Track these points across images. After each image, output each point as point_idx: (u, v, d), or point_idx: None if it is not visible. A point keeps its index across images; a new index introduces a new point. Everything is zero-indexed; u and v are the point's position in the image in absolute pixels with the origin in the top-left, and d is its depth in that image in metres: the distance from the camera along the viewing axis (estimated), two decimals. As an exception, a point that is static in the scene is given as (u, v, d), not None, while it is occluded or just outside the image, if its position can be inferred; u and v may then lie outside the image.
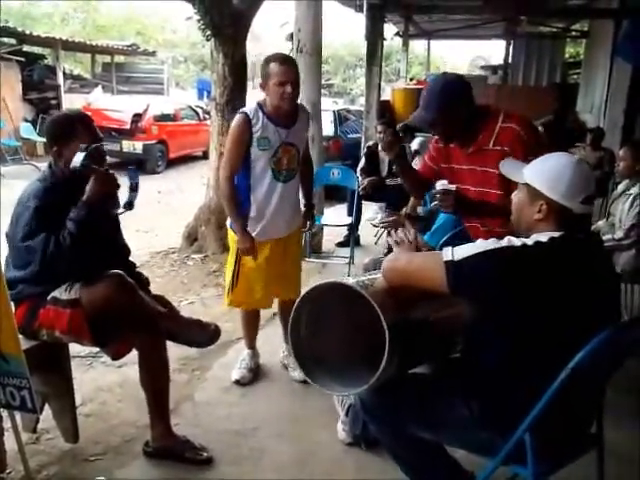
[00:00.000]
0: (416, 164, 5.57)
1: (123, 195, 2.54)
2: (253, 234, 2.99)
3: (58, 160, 2.38)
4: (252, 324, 3.35)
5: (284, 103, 2.85)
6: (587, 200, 1.71)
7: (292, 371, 3.24)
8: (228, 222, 3.11)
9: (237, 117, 2.94)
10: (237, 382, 3.19)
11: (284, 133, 2.93)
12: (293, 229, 3.17)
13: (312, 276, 4.77)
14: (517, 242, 1.67)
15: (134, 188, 2.52)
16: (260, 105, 2.92)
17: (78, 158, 2.31)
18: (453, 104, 2.40)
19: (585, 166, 1.79)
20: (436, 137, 2.70)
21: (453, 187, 2.54)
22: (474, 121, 2.47)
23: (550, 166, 1.74)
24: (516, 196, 1.84)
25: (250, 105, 2.99)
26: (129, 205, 2.53)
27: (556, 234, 1.69)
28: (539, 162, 1.79)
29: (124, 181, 2.48)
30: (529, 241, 1.67)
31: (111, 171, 2.39)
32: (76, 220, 2.24)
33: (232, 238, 3.09)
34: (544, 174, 1.73)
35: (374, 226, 6.39)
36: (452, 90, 2.43)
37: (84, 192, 2.29)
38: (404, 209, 5.11)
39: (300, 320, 1.98)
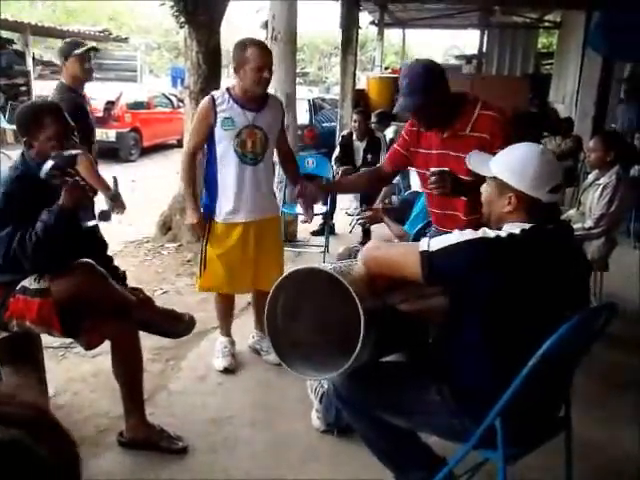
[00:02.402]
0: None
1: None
2: (221, 217, 3.05)
3: (29, 150, 2.33)
4: (227, 311, 3.35)
5: (259, 88, 2.89)
6: (555, 189, 1.73)
7: (266, 355, 3.27)
8: (201, 210, 3.12)
9: (204, 99, 3.04)
10: (225, 370, 3.18)
11: (251, 116, 2.96)
12: (266, 216, 3.17)
13: (286, 264, 4.75)
14: (491, 234, 1.69)
15: (114, 198, 2.43)
16: (228, 89, 2.99)
17: (46, 166, 2.23)
18: (434, 87, 2.37)
19: (550, 155, 1.82)
20: (410, 121, 2.67)
21: (446, 169, 2.41)
22: (452, 106, 2.45)
23: (516, 158, 1.76)
24: (485, 190, 1.86)
25: (220, 89, 3.09)
26: (104, 216, 2.42)
27: (527, 225, 1.71)
28: (504, 154, 1.81)
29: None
30: (502, 233, 1.70)
31: (82, 182, 2.34)
32: (45, 224, 2.20)
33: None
34: (510, 166, 1.75)
35: (349, 215, 6.43)
36: (431, 74, 2.39)
37: (57, 190, 2.23)
38: (378, 201, 5.13)
39: (277, 304, 2.00)
